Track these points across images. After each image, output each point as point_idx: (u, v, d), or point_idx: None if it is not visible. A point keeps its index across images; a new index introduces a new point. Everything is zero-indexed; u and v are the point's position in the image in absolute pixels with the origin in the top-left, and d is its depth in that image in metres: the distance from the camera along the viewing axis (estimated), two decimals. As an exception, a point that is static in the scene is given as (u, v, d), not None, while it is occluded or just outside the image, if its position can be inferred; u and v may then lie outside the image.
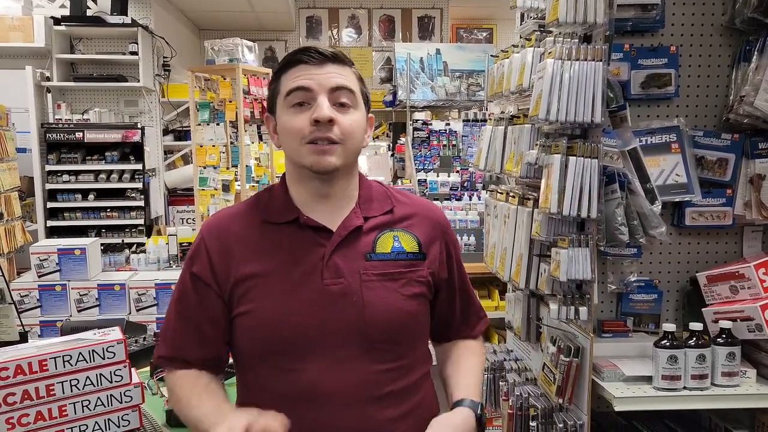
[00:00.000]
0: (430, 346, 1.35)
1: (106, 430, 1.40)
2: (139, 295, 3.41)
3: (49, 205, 4.95)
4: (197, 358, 1.22)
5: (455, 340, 1.39)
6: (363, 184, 1.28)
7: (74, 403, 1.36)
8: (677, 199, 1.94)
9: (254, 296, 1.17)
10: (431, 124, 4.61)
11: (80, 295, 3.38)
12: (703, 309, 1.89)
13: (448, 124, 4.59)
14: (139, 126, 5.04)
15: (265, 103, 3.85)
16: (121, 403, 1.41)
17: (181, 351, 1.22)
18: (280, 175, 1.33)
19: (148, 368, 1.89)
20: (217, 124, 3.65)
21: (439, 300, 1.31)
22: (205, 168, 3.67)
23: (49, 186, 4.93)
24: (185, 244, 3.80)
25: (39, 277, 3.36)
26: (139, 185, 4.99)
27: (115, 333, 1.45)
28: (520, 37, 2.21)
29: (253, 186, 3.84)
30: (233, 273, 1.18)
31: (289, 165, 1.25)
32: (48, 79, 5.17)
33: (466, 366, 1.32)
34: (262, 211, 1.23)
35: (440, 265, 1.28)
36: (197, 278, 1.20)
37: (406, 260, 1.22)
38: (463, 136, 4.45)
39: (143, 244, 3.94)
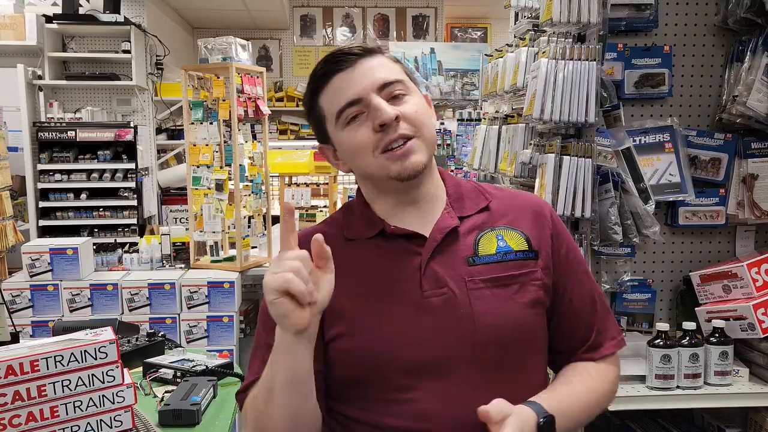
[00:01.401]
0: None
1: (98, 430, 1.39)
2: (131, 295, 3.39)
3: (41, 204, 4.92)
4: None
5: (572, 363, 1.12)
6: (448, 181, 1.13)
7: (66, 404, 1.35)
8: (671, 199, 1.95)
9: (347, 316, 1.01)
10: (425, 124, 4.61)
11: (72, 295, 3.36)
12: (696, 308, 1.89)
13: (442, 124, 4.60)
14: (131, 125, 5.01)
15: (258, 102, 3.83)
16: (113, 403, 1.40)
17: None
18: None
19: (140, 369, 1.88)
20: (211, 123, 3.63)
21: (555, 312, 1.09)
22: (198, 167, 3.65)
23: (41, 185, 4.90)
24: (178, 243, 3.78)
25: (31, 276, 3.34)
26: (132, 184, 4.96)
27: (107, 333, 1.44)
28: (515, 37, 2.22)
29: (247, 185, 3.83)
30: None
31: (364, 183, 1.11)
32: (40, 77, 5.14)
33: (563, 382, 1.08)
34: (344, 229, 1.09)
35: (555, 264, 1.08)
36: None
37: (515, 260, 1.04)
38: (457, 135, 4.46)
39: (136, 244, 3.92)
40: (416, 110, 1.03)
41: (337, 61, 1.03)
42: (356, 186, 1.17)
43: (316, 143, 1.17)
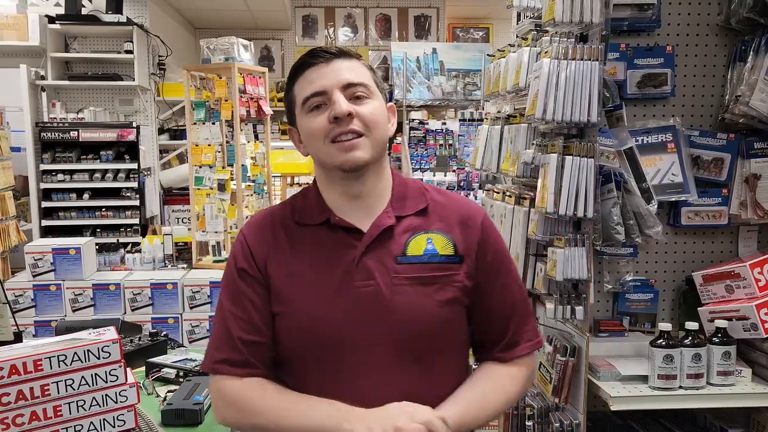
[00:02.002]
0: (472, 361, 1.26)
1: (101, 430, 1.40)
2: (134, 294, 3.40)
3: (44, 204, 4.93)
4: (263, 358, 1.15)
5: (486, 362, 1.23)
6: (397, 182, 1.23)
7: (69, 403, 1.36)
8: (673, 199, 1.95)
9: (288, 297, 1.15)
10: (428, 124, 4.61)
11: (75, 295, 3.37)
12: (698, 308, 1.89)
13: (444, 124, 4.59)
14: (134, 125, 5.02)
15: (260, 102, 3.83)
16: (116, 403, 1.41)
17: (244, 352, 1.14)
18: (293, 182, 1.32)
19: (143, 368, 1.88)
20: (213, 123, 3.63)
21: (476, 310, 1.19)
22: (200, 167, 3.66)
23: (43, 185, 4.91)
24: (180, 243, 3.79)
25: (33, 276, 3.35)
26: (135, 184, 4.97)
27: (110, 333, 1.44)
28: (517, 37, 2.21)
29: (249, 185, 3.83)
30: (269, 267, 1.16)
31: (318, 169, 1.22)
32: (42, 77, 5.15)
33: (468, 386, 1.18)
34: (296, 213, 1.21)
35: (479, 270, 1.18)
36: (243, 272, 1.17)
37: (439, 263, 1.15)
38: (459, 135, 4.46)
39: (138, 244, 3.93)
40: (371, 112, 1.14)
41: (314, 56, 1.16)
42: None
43: None
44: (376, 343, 1.11)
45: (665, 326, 1.74)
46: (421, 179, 4.05)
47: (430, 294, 1.13)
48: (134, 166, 4.96)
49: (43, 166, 4.89)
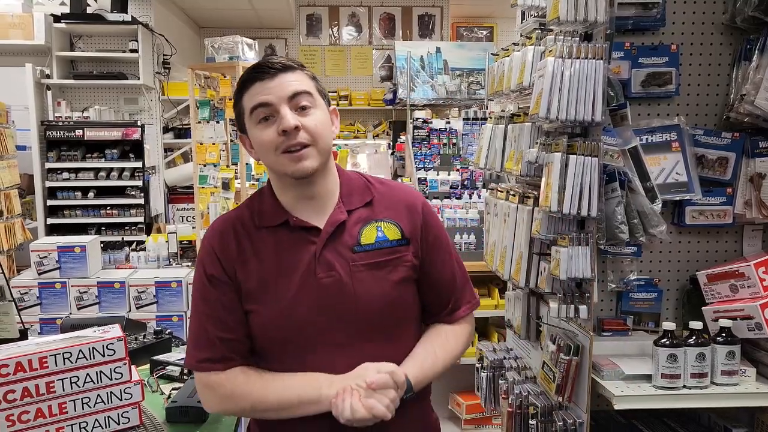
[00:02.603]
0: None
1: (105, 427, 1.40)
2: (138, 292, 3.41)
3: (49, 202, 4.95)
4: (241, 351, 1.28)
5: (433, 324, 1.40)
6: (343, 179, 1.35)
7: (74, 400, 1.37)
8: (677, 198, 1.94)
9: (258, 297, 1.26)
10: (431, 123, 4.60)
11: (80, 293, 3.38)
12: (703, 308, 1.89)
13: (448, 123, 4.58)
14: (139, 124, 5.03)
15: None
16: (121, 400, 1.42)
17: (223, 349, 1.26)
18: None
19: (147, 366, 1.89)
20: (217, 122, 3.64)
21: (422, 283, 1.35)
22: (205, 166, 3.67)
23: (49, 184, 4.93)
24: (185, 242, 3.80)
25: (39, 274, 3.37)
26: (139, 183, 4.99)
27: (115, 330, 1.45)
28: (521, 36, 2.21)
29: (253, 184, 3.84)
30: (238, 272, 1.27)
31: (271, 174, 1.33)
32: (48, 76, 5.16)
33: (426, 349, 1.34)
34: (255, 217, 1.31)
35: (423, 248, 1.34)
36: (213, 278, 1.28)
37: (390, 248, 1.30)
38: (463, 134, 4.45)
39: (143, 242, 3.94)
40: (316, 124, 1.25)
41: (260, 71, 1.25)
42: None
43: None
44: (343, 325, 1.25)
45: (669, 325, 1.74)
46: (425, 178, 4.04)
47: (385, 276, 1.28)
48: (139, 164, 4.98)
49: (48, 165, 4.91)
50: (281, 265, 1.26)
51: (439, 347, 1.35)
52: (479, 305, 1.48)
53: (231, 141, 3.74)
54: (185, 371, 1.83)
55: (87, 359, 1.37)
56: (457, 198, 3.88)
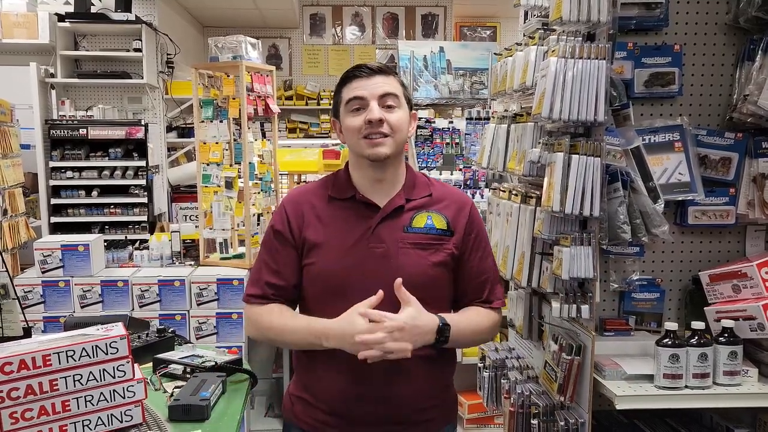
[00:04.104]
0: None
1: (108, 425, 1.41)
2: (142, 291, 3.42)
3: (53, 201, 4.96)
4: (283, 295, 1.57)
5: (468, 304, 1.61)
6: (409, 173, 1.60)
7: (77, 398, 1.37)
8: (680, 198, 1.94)
9: (318, 253, 1.53)
10: (434, 122, 4.60)
11: (83, 291, 3.39)
12: (705, 308, 1.89)
13: (451, 122, 4.58)
14: (142, 123, 5.04)
15: (268, 101, 3.85)
16: (123, 398, 1.42)
17: (268, 288, 1.56)
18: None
19: (150, 364, 1.89)
20: (221, 122, 3.64)
21: (460, 273, 1.57)
22: (208, 165, 3.67)
23: (52, 182, 4.94)
24: (188, 240, 3.80)
25: (42, 272, 3.37)
26: (143, 182, 4.99)
27: (118, 328, 1.45)
28: (524, 35, 2.21)
29: (256, 183, 3.84)
30: (304, 233, 1.54)
31: (351, 155, 1.58)
32: (52, 75, 5.18)
33: (462, 315, 1.57)
34: (330, 189, 1.59)
35: (464, 243, 1.56)
36: (279, 233, 1.57)
37: (436, 235, 1.53)
38: (466, 134, 4.44)
39: (146, 241, 3.95)
40: (397, 119, 1.51)
41: (362, 70, 1.53)
42: None
43: (325, 141, 1.57)
44: (379, 288, 1.43)
45: (671, 325, 1.74)
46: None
47: (427, 256, 1.51)
48: (142, 163, 4.99)
49: (52, 164, 4.92)
50: (341, 231, 1.52)
51: (474, 316, 1.57)
52: (505, 306, 1.67)
53: (234, 140, 3.74)
54: (188, 370, 1.84)
55: (90, 357, 1.38)
56: (459, 197, 3.87)
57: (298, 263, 1.56)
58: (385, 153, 1.49)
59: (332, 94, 1.75)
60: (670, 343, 1.71)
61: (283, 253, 1.56)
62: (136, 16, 5.22)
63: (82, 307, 3.39)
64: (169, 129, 5.90)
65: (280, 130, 7.06)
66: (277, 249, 1.57)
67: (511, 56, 2.15)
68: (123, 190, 5.03)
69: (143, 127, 4.98)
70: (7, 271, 1.86)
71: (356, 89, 1.51)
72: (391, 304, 1.43)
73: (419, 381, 1.52)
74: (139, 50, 5.26)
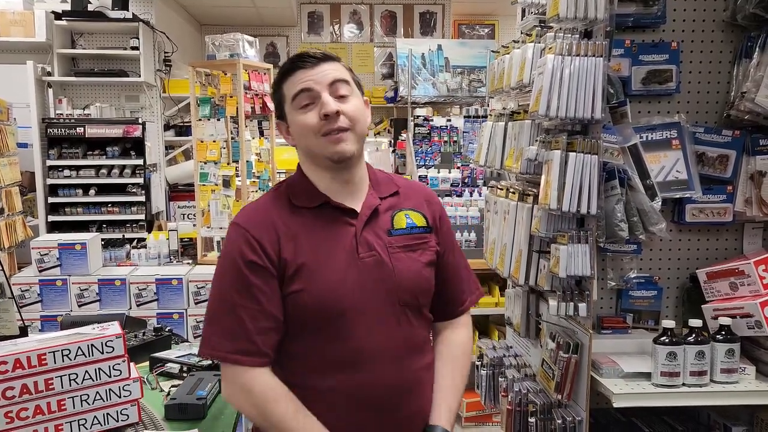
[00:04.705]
0: None
1: (104, 424, 1.41)
2: (139, 290, 3.42)
3: (50, 200, 4.95)
4: (271, 345, 1.27)
5: (446, 325, 1.48)
6: (369, 170, 1.43)
7: (73, 398, 1.37)
8: (677, 196, 1.94)
9: (305, 276, 1.27)
10: (432, 120, 4.60)
11: (81, 290, 3.39)
12: (702, 306, 1.89)
13: (449, 120, 4.58)
14: (140, 121, 5.03)
15: (265, 99, 3.84)
16: (119, 397, 1.42)
17: (260, 341, 1.25)
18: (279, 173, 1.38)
19: (147, 363, 1.89)
20: (218, 120, 3.64)
21: (439, 270, 1.44)
22: (205, 163, 3.67)
23: (50, 181, 4.93)
24: (186, 239, 3.80)
25: (40, 271, 3.37)
26: (140, 180, 4.98)
27: (114, 327, 1.45)
28: (521, 33, 2.21)
29: (254, 181, 3.84)
30: (282, 255, 1.28)
31: (306, 159, 1.37)
32: (49, 74, 5.16)
33: (452, 383, 1.42)
34: (292, 199, 1.34)
35: (442, 237, 1.44)
36: (253, 265, 1.26)
37: (419, 233, 1.39)
38: (464, 132, 4.44)
39: (144, 240, 3.94)
40: (354, 110, 1.31)
41: (302, 60, 1.32)
42: None
43: None
44: (380, 302, 1.30)
45: (669, 323, 1.74)
46: (426, 176, 4.04)
47: (417, 258, 1.37)
48: (140, 162, 4.98)
49: (49, 162, 4.91)
50: (324, 245, 1.30)
51: (458, 374, 1.44)
52: (483, 295, 1.58)
53: (232, 138, 3.74)
54: (184, 369, 1.84)
55: (86, 356, 1.37)
56: (458, 196, 3.88)
57: (279, 297, 1.28)
58: (350, 150, 1.30)
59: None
60: (667, 340, 1.71)
61: (266, 288, 1.26)
62: (133, 14, 5.20)
63: (79, 306, 3.39)
64: (167, 127, 5.89)
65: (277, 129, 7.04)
66: (255, 285, 1.25)
67: (508, 54, 2.14)
68: (120, 189, 5.02)
69: (141, 126, 4.97)
70: (3, 270, 1.85)
71: (301, 81, 1.30)
72: (395, 317, 1.31)
73: (428, 391, 1.39)
74: (136, 48, 5.25)
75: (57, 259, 3.36)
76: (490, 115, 2.43)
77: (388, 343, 1.30)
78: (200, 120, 3.69)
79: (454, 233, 1.54)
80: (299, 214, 1.32)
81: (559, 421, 1.79)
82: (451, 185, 3.99)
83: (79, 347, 1.37)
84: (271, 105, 3.89)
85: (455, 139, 4.45)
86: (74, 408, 1.37)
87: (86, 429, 1.39)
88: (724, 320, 1.74)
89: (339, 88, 1.30)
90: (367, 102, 1.39)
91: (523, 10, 2.30)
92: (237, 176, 3.67)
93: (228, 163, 3.70)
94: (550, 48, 1.73)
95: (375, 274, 1.30)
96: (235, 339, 1.25)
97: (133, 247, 3.82)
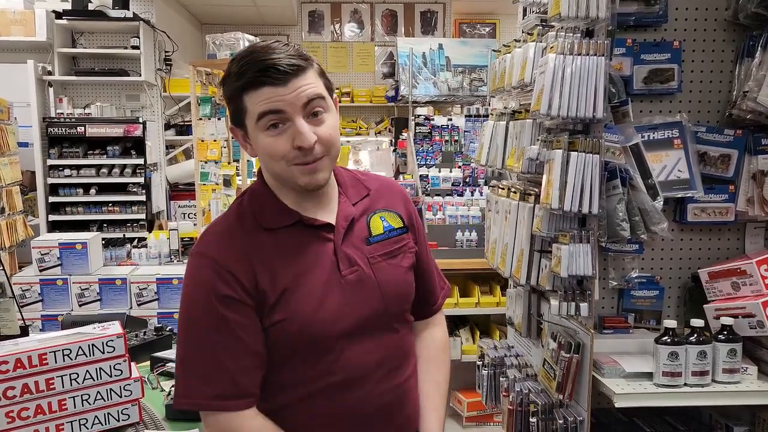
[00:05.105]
0: None
1: (105, 424, 1.40)
2: (140, 289, 3.41)
3: (51, 199, 4.95)
4: (256, 384, 1.16)
5: (423, 325, 1.44)
6: (336, 172, 1.30)
7: (74, 397, 1.37)
8: (679, 195, 1.94)
9: (286, 304, 1.16)
10: (433, 120, 4.59)
11: (81, 290, 3.39)
12: (704, 305, 1.88)
13: (450, 120, 4.57)
14: (140, 120, 5.03)
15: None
16: (120, 397, 1.42)
17: (244, 382, 1.14)
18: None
19: (148, 363, 1.89)
20: (219, 119, 3.64)
21: (417, 270, 1.36)
22: (206, 163, 3.67)
23: (50, 180, 4.93)
24: (186, 238, 3.80)
25: (40, 271, 3.37)
26: (141, 180, 4.99)
27: (115, 327, 1.45)
28: (522, 32, 2.20)
29: (254, 180, 3.84)
30: (259, 283, 1.15)
31: (271, 178, 1.23)
32: (50, 73, 5.16)
33: (437, 387, 1.38)
34: (258, 219, 1.21)
35: (417, 234, 1.37)
36: (228, 299, 1.13)
37: (397, 236, 1.30)
38: (465, 131, 4.44)
39: (144, 239, 3.94)
40: (330, 133, 1.16)
41: (271, 76, 1.10)
42: None
43: None
44: (367, 319, 1.22)
45: (670, 323, 1.73)
46: (427, 175, 4.03)
47: (398, 263, 1.29)
48: (141, 161, 4.98)
49: (50, 162, 4.91)
50: (303, 266, 1.18)
51: (442, 378, 1.40)
52: (449, 293, 1.53)
53: (232, 138, 3.74)
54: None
55: (87, 356, 1.37)
56: (459, 195, 3.87)
57: (259, 330, 1.16)
58: (324, 179, 1.18)
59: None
60: (669, 340, 1.71)
61: (245, 321, 1.14)
62: (134, 13, 5.20)
63: (80, 306, 3.39)
64: (167, 126, 5.89)
65: (278, 128, 7.04)
66: (233, 321, 1.13)
67: (509, 53, 2.14)
68: (121, 188, 5.02)
69: (141, 125, 4.97)
70: (3, 269, 1.85)
71: (269, 101, 1.11)
72: (382, 330, 1.25)
73: (414, 397, 1.34)
74: (137, 47, 5.25)
75: (57, 258, 3.36)
76: (492, 114, 2.43)
77: (378, 359, 1.24)
78: (201, 119, 3.69)
79: (423, 226, 1.48)
80: (270, 235, 1.19)
81: (561, 421, 1.79)
82: (452, 185, 3.98)
83: (80, 347, 1.36)
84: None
85: (456, 138, 4.44)
86: (75, 408, 1.37)
87: (87, 429, 1.38)
88: (726, 320, 1.74)
89: (314, 106, 1.14)
90: (336, 101, 1.24)
91: (525, 9, 2.30)
92: (237, 175, 3.67)
93: (228, 163, 3.71)
94: (551, 47, 1.73)
95: (359, 292, 1.21)
96: (216, 382, 1.12)
97: (134, 247, 3.82)
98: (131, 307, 3.41)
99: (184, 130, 5.95)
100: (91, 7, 5.30)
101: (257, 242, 1.18)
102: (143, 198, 4.99)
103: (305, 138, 1.12)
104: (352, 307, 1.20)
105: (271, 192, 1.23)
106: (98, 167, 4.96)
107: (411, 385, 1.32)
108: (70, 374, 1.36)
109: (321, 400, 1.19)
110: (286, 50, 1.14)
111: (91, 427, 1.39)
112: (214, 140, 3.64)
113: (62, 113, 5.17)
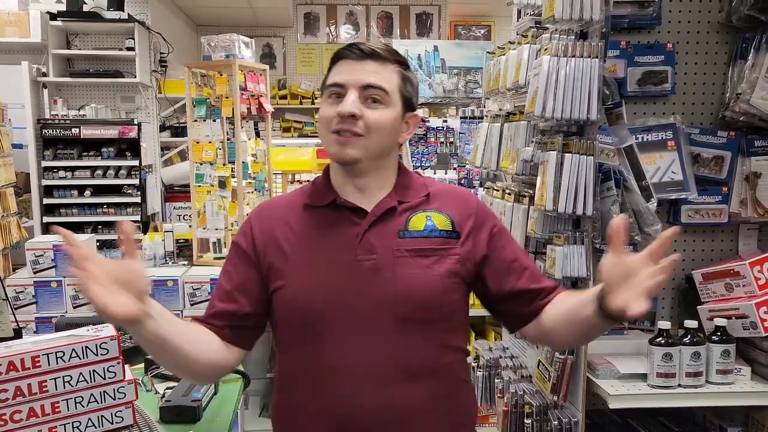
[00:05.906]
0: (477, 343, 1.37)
1: (99, 426, 1.40)
2: (135, 291, 3.40)
3: (45, 201, 4.93)
4: (233, 321, 1.25)
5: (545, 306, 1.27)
6: (403, 176, 1.30)
7: (67, 400, 1.36)
8: (673, 197, 1.94)
9: (288, 271, 1.22)
10: (428, 121, 4.60)
11: (76, 292, 3.37)
12: (698, 306, 1.89)
13: (445, 121, 4.58)
14: (135, 122, 5.01)
15: (261, 100, 3.83)
16: (114, 399, 1.41)
17: (216, 319, 1.26)
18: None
19: (142, 365, 1.88)
20: (214, 121, 3.63)
21: (497, 279, 1.26)
22: (201, 164, 3.65)
23: (45, 182, 4.90)
24: (181, 240, 3.78)
25: (34, 273, 3.35)
26: (136, 181, 4.96)
27: (109, 329, 1.44)
28: (517, 34, 2.21)
29: (250, 182, 3.83)
30: (270, 251, 1.24)
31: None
32: (44, 74, 5.14)
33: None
34: (307, 197, 1.30)
35: (476, 245, 1.25)
36: (240, 249, 1.28)
37: (439, 237, 1.23)
38: (460, 133, 4.44)
39: (139, 241, 3.92)
40: (377, 119, 1.20)
41: (350, 50, 1.22)
42: None
43: (319, 141, 1.38)
44: (375, 313, 1.17)
45: (664, 324, 1.74)
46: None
47: (430, 265, 1.20)
48: (135, 163, 4.96)
49: (44, 163, 4.89)
50: (319, 242, 1.23)
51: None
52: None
53: (227, 139, 3.73)
54: (180, 370, 1.83)
55: (80, 358, 1.36)
56: (453, 197, 3.87)
57: (260, 289, 1.25)
58: (351, 156, 1.19)
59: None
60: (663, 341, 1.71)
61: (241, 271, 1.26)
62: (128, 14, 5.19)
63: (74, 308, 3.37)
64: (163, 128, 5.87)
65: (274, 130, 7.03)
66: (235, 267, 1.28)
67: (504, 55, 2.15)
68: (116, 190, 5.00)
69: (136, 127, 4.96)
70: (-4, 271, 1.84)
71: (339, 73, 1.21)
72: (388, 332, 1.17)
73: None
74: (131, 49, 5.23)
75: (52, 260, 3.34)
76: (486, 116, 2.43)
77: (373, 362, 1.16)
78: (196, 121, 3.67)
79: (508, 233, 1.35)
80: (308, 212, 1.27)
81: (555, 423, 1.79)
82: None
83: (73, 349, 1.36)
84: (267, 106, 3.88)
85: (451, 140, 4.45)
86: (68, 410, 1.36)
87: (80, 431, 1.38)
88: (720, 321, 1.75)
89: (372, 92, 1.19)
90: (414, 117, 1.28)
91: (519, 12, 2.31)
92: (233, 177, 3.66)
93: (224, 164, 3.69)
94: (545, 49, 1.73)
95: (368, 280, 1.18)
96: (207, 309, 1.29)
97: (129, 249, 3.80)
98: (126, 309, 3.39)
99: (180, 131, 5.93)
100: (85, 8, 5.28)
101: (292, 215, 1.28)
102: (138, 200, 4.97)
103: (345, 105, 1.18)
104: (354, 293, 1.18)
105: (328, 174, 1.30)
106: (93, 169, 4.94)
107: (419, 412, 1.18)
108: (63, 377, 1.35)
109: (313, 388, 1.18)
110: (380, 44, 1.26)
111: (85, 430, 1.38)
112: (210, 142, 3.63)
113: (57, 115, 5.15)
